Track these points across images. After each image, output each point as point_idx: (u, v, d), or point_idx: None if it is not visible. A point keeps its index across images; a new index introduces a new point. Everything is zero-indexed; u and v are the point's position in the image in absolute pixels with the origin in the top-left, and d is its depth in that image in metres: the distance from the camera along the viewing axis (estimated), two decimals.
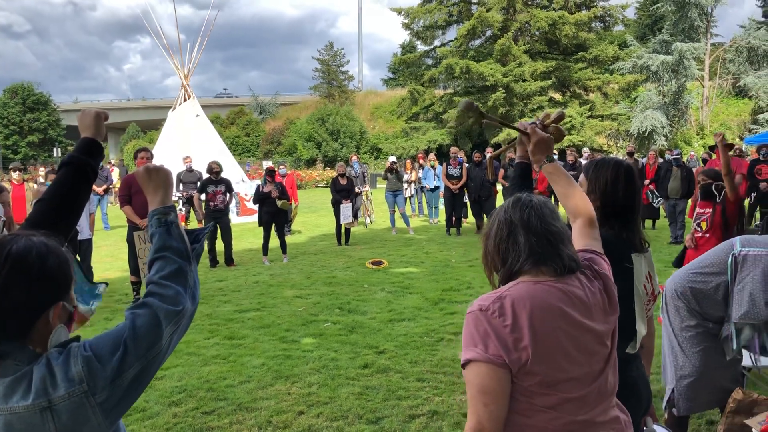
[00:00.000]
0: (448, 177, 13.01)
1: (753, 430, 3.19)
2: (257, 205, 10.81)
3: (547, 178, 2.19)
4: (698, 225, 6.10)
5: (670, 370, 3.76)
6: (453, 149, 13.41)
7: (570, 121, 32.46)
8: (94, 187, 4.87)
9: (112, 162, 27.47)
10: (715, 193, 5.49)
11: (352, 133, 39.84)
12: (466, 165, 13.18)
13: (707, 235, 5.98)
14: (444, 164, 13.35)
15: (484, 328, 1.68)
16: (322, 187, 33.13)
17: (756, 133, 28.66)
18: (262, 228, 10.72)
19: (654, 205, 12.69)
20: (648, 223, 12.85)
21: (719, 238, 5.82)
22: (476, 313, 1.71)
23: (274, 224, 10.63)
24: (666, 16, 35.51)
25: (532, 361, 1.66)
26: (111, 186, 18.40)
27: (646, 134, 32.66)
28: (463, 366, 1.72)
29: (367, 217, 15.25)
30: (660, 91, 33.95)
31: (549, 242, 1.78)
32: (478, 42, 36.69)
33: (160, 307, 1.43)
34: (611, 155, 3.09)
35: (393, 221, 13.95)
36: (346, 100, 45.94)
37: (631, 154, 12.50)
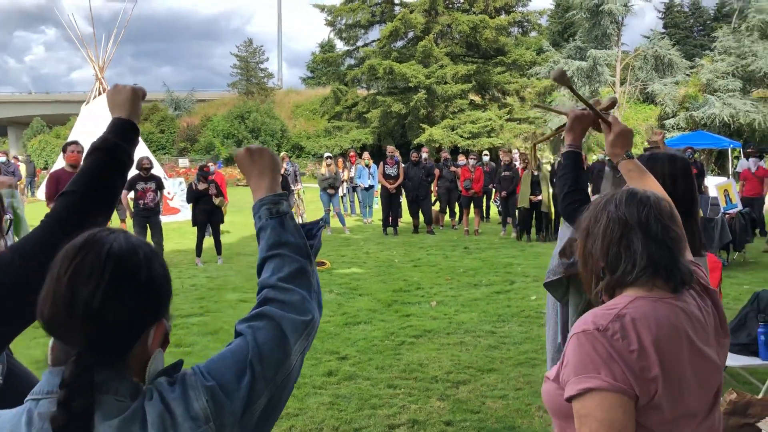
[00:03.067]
0: (385, 176, 12.84)
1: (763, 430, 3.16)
2: (190, 205, 10.29)
3: (624, 174, 2.00)
4: None
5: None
6: (389, 148, 13.27)
7: (490, 124, 33.07)
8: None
9: (19, 158, 25.70)
10: None
11: (273, 131, 39.02)
12: (403, 164, 13.05)
13: None
14: (381, 163, 13.16)
15: (606, 351, 1.41)
16: (243, 186, 32.23)
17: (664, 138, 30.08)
18: (189, 228, 10.22)
19: None
20: None
21: None
22: (593, 333, 1.44)
23: (209, 224, 10.15)
24: (578, 23, 36.74)
25: (661, 394, 1.41)
26: (18, 182, 17.14)
27: (562, 137, 33.64)
28: (575, 397, 1.43)
29: (299, 217, 14.87)
30: (572, 96, 35.09)
31: (669, 250, 1.51)
32: (400, 43, 36.75)
33: (284, 317, 1.14)
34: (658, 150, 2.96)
35: (328, 221, 13.63)
36: (266, 98, 44.96)
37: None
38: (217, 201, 9.99)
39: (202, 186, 10.00)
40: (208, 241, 10.40)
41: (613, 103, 2.31)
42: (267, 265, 1.22)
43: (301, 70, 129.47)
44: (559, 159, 12.77)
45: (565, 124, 2.38)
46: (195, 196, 10.01)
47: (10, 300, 1.33)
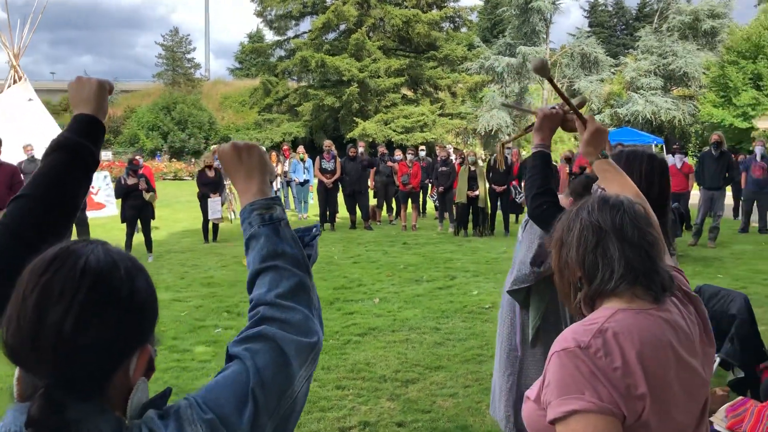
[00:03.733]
0: (322, 171, 12.64)
1: (715, 425, 3.20)
2: (118, 200, 9.83)
3: (599, 174, 1.93)
4: None
5: None
6: (327, 142, 13.07)
7: (423, 119, 33.26)
8: None
9: None
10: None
11: (201, 123, 38.02)
12: (340, 159, 12.88)
13: None
14: (317, 158, 12.95)
15: (589, 370, 1.33)
16: (169, 179, 31.32)
17: None
18: (116, 224, 9.79)
19: (517, 200, 13.14)
20: (512, 217, 13.29)
21: None
22: (574, 351, 1.36)
23: (139, 220, 9.73)
24: (507, 20, 37.40)
25: (649, 412, 1.34)
26: None
27: (492, 133, 34.24)
28: (559, 420, 1.34)
29: (231, 212, 14.49)
30: (503, 92, 35.70)
31: (647, 255, 1.45)
32: (332, 35, 36.49)
33: (285, 338, 1.00)
34: (626, 147, 2.91)
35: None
36: (192, 89, 43.77)
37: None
38: (147, 196, 9.57)
39: (131, 181, 9.56)
40: (138, 237, 9.97)
41: (582, 103, 2.25)
42: (261, 278, 1.07)
43: (229, 60, 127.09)
44: (494, 156, 12.91)
45: (533, 124, 2.32)
46: (124, 192, 9.57)
47: None
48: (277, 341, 0.99)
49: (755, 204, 12.12)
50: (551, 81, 2.19)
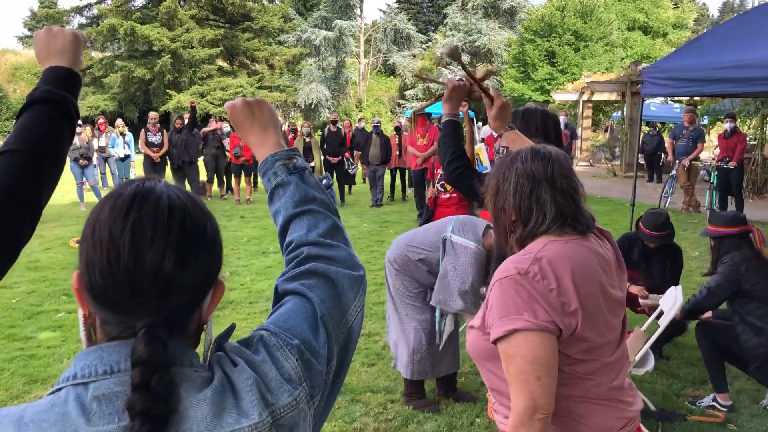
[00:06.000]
0: (148, 144, 11.98)
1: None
2: None
3: (509, 144, 2.13)
4: (441, 186, 6.67)
5: (397, 337, 3.87)
6: (152, 114, 12.35)
7: (241, 91, 32.44)
8: None
9: None
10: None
11: None
12: (167, 131, 12.29)
13: (450, 195, 6.58)
14: (142, 131, 12.21)
15: (528, 293, 1.52)
16: None
17: (405, 108, 32.31)
18: None
19: (350, 171, 13.42)
20: (346, 188, 13.57)
21: (461, 197, 6.46)
22: (514, 277, 1.54)
23: None
24: None
25: (582, 326, 1.54)
26: None
27: (312, 106, 34.37)
28: (501, 338, 1.53)
29: None
30: (320, 65, 35.90)
31: (573, 200, 1.64)
32: (140, 2, 34.20)
33: (336, 273, 1.04)
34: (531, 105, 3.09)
35: (81, 195, 12.31)
36: None
37: (334, 122, 12.95)
38: None
39: None
40: None
41: (487, 74, 2.43)
42: (296, 222, 1.10)
43: (17, 27, 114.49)
44: (327, 128, 13.05)
45: (442, 95, 2.45)
46: None
47: None
48: (329, 276, 1.03)
49: None
50: (463, 65, 2.33)
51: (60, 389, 0.81)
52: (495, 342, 1.56)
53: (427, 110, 12.05)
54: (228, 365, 0.87)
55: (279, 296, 1.04)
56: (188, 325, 0.89)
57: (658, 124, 17.92)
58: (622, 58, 29.42)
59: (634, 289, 4.40)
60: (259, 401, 0.83)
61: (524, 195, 1.63)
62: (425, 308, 3.78)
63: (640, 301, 4.38)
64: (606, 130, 22.55)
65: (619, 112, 20.73)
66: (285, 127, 14.30)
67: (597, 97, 18.80)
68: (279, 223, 1.13)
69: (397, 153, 12.41)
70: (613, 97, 18.71)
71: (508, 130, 2.18)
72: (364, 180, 14.40)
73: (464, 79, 2.35)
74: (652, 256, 4.64)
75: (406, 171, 12.81)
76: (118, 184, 0.91)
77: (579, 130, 18.97)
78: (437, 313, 3.74)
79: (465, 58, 32.05)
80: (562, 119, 13.34)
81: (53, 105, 1.21)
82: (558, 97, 20.99)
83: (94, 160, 14.76)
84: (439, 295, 3.58)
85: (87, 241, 0.83)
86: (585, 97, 19.10)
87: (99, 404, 0.79)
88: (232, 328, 0.97)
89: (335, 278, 1.03)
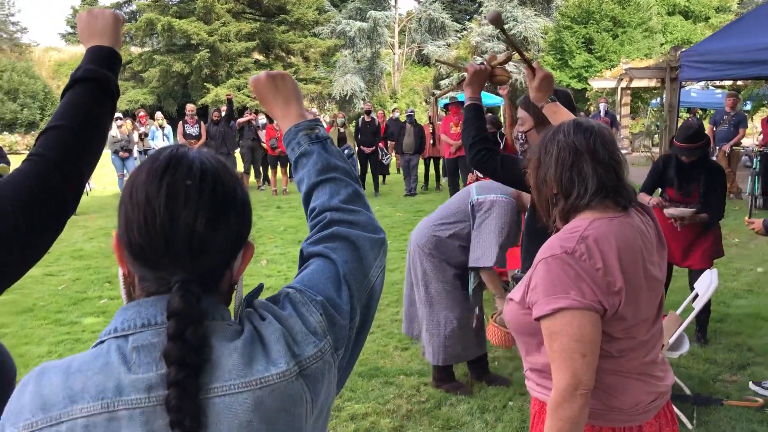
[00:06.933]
0: (186, 136, 12.20)
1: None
2: None
3: (549, 116, 2.15)
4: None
5: (429, 325, 3.85)
6: (189, 107, 12.57)
7: None
8: None
9: None
10: (499, 141, 6.05)
11: (35, 92, 34.77)
12: (204, 124, 12.49)
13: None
14: (180, 123, 12.44)
15: (575, 272, 1.53)
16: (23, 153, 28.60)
17: (439, 99, 32.19)
18: None
19: (384, 161, 13.46)
20: (380, 178, 13.62)
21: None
22: (561, 256, 1.55)
23: None
24: None
25: (624, 305, 1.56)
26: None
27: (347, 98, 34.48)
28: (546, 316, 1.55)
29: (87, 184, 13.62)
30: (355, 57, 35.96)
31: (616, 173, 1.64)
32: None
33: (358, 236, 1.09)
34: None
35: (122, 186, 12.60)
36: (21, 56, 39.88)
37: (368, 112, 12.99)
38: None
39: None
40: None
41: (507, 58, 2.45)
42: (320, 189, 1.16)
43: (60, 25, 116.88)
44: (362, 117, 13.10)
45: (464, 79, 2.47)
46: None
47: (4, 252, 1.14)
48: (351, 239, 1.09)
49: None
50: (504, 31, 2.35)
51: (103, 342, 0.88)
52: (538, 319, 1.59)
53: (460, 98, 12.01)
54: (257, 319, 0.93)
55: (304, 259, 1.10)
56: (220, 283, 0.94)
57: (699, 111, 17.52)
58: (662, 44, 28.81)
59: (654, 201, 4.32)
60: (287, 352, 0.89)
61: (565, 167, 1.64)
62: (456, 293, 3.80)
63: (665, 211, 4.28)
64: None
65: (658, 99, 20.32)
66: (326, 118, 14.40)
67: (636, 83, 18.44)
68: (303, 191, 1.19)
69: (431, 142, 12.42)
70: (653, 83, 18.33)
71: (549, 103, 2.20)
72: (398, 170, 14.45)
73: (485, 63, 2.37)
74: (688, 173, 4.37)
75: (440, 160, 12.80)
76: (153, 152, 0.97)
77: (618, 117, 18.67)
78: (471, 273, 3.74)
79: (500, 47, 31.79)
80: (602, 106, 13.17)
81: (96, 83, 1.29)
82: (595, 84, 20.64)
83: (135, 153, 15.10)
84: (477, 252, 3.58)
85: (125, 203, 0.89)
86: (623, 84, 18.76)
87: (138, 354, 0.85)
88: (261, 287, 1.03)
89: (357, 241, 1.09)
